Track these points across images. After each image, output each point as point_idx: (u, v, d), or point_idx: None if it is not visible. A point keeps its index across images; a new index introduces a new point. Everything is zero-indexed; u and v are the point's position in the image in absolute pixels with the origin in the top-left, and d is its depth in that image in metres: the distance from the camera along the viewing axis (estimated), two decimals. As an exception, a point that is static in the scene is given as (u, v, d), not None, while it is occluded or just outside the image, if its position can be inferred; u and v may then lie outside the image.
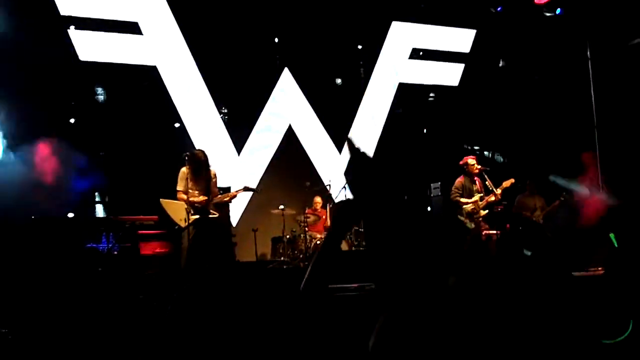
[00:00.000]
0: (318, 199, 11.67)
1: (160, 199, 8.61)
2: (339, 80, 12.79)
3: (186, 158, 8.53)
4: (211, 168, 8.71)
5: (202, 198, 8.43)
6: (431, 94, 13.52)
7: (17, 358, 5.20)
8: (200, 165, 8.51)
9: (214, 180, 8.69)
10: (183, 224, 8.35)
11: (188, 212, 8.33)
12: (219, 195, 8.69)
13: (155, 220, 9.04)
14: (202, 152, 8.71)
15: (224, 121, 11.88)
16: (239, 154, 11.98)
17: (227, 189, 9.72)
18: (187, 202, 8.32)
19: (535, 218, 10.54)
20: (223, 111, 11.89)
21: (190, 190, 8.39)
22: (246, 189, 9.04)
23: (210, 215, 8.60)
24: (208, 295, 6.67)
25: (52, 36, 10.29)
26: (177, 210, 8.44)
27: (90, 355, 5.19)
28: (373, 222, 2.27)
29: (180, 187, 8.45)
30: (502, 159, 13.27)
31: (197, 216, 8.43)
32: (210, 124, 11.76)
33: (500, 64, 13.59)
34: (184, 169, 8.51)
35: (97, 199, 10.46)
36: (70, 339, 5.43)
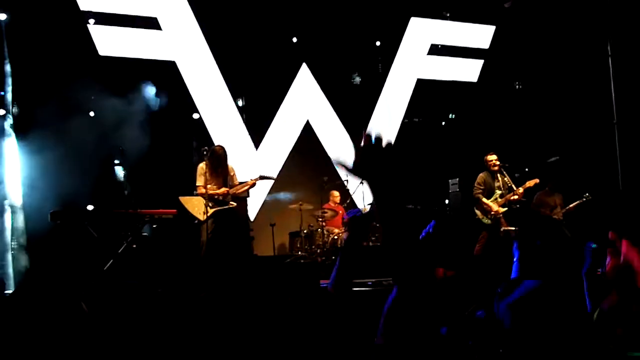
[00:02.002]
0: (336, 194, 11.68)
1: (179, 197, 8.67)
2: (357, 79, 12.75)
3: (205, 153, 8.60)
4: (229, 164, 8.78)
5: (222, 190, 8.50)
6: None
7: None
8: (219, 160, 8.57)
9: (232, 174, 8.76)
10: (202, 218, 8.41)
11: (207, 206, 8.37)
12: (238, 186, 8.75)
13: (174, 214, 9.09)
14: (222, 147, 8.78)
15: (241, 116, 11.90)
16: (256, 148, 12.02)
17: (244, 183, 9.78)
18: (207, 195, 8.37)
19: (555, 215, 10.47)
20: (239, 104, 11.89)
21: (209, 185, 8.45)
22: (262, 177, 9.08)
23: (229, 205, 8.65)
24: (226, 289, 6.70)
25: (72, 31, 10.37)
26: (196, 205, 8.51)
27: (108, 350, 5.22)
28: (390, 217, 2.27)
29: (199, 182, 8.53)
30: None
31: (217, 209, 8.48)
32: (229, 120, 11.80)
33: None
34: (202, 165, 8.59)
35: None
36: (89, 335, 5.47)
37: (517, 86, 13.60)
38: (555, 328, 2.22)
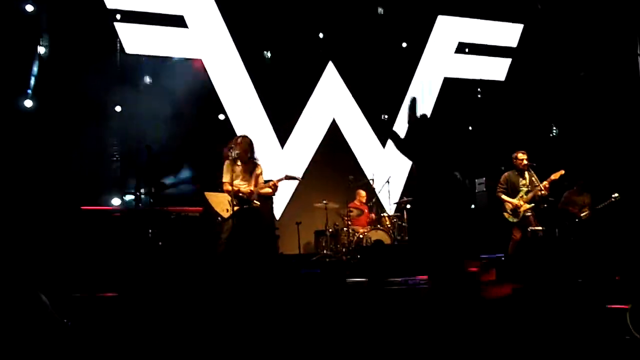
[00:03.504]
0: (362, 193, 11.63)
1: (205, 192, 8.63)
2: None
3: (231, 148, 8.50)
4: (259, 163, 8.70)
5: (248, 189, 8.42)
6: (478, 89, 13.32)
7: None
8: (244, 151, 8.44)
9: (258, 172, 8.66)
10: (226, 215, 8.34)
11: (231, 204, 8.30)
12: (262, 184, 8.63)
13: (200, 212, 9.07)
14: (246, 137, 8.65)
15: (267, 115, 11.89)
16: (282, 147, 12.00)
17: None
18: (233, 193, 8.30)
19: (583, 215, 10.36)
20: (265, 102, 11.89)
21: (236, 182, 8.37)
22: (287, 177, 8.94)
23: (254, 204, 8.54)
24: (247, 285, 6.68)
25: (99, 29, 10.43)
26: (220, 202, 8.43)
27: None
28: (420, 213, 2.22)
29: (226, 178, 8.44)
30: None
31: (241, 206, 8.39)
32: (255, 117, 11.79)
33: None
34: (227, 161, 8.51)
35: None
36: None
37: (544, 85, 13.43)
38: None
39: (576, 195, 10.63)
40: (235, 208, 8.32)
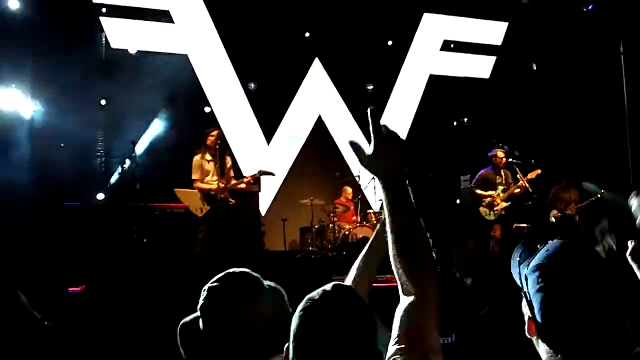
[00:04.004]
0: (348, 190, 11.61)
1: (175, 189, 8.45)
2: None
3: (217, 147, 8.33)
4: (228, 156, 8.52)
5: (214, 186, 8.21)
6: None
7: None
8: (214, 147, 8.24)
9: (228, 166, 8.50)
10: (199, 214, 8.21)
11: (203, 201, 8.17)
12: (234, 182, 8.47)
13: (185, 208, 9.01)
14: (216, 131, 8.47)
15: (253, 111, 11.85)
16: (268, 143, 11.97)
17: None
18: (204, 190, 8.15)
19: (568, 211, 10.40)
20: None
21: (208, 178, 8.21)
22: (262, 173, 8.75)
23: (229, 202, 8.41)
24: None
25: (84, 23, 10.35)
26: (192, 200, 8.26)
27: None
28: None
29: (195, 175, 8.27)
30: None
31: (215, 204, 8.20)
32: (241, 114, 11.76)
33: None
34: (197, 157, 8.32)
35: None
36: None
37: (529, 82, 13.46)
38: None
39: (563, 192, 10.66)
40: (208, 207, 8.12)
